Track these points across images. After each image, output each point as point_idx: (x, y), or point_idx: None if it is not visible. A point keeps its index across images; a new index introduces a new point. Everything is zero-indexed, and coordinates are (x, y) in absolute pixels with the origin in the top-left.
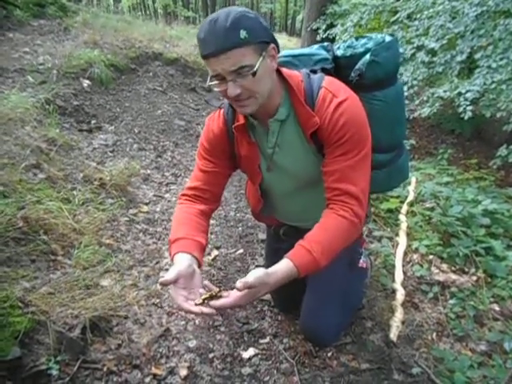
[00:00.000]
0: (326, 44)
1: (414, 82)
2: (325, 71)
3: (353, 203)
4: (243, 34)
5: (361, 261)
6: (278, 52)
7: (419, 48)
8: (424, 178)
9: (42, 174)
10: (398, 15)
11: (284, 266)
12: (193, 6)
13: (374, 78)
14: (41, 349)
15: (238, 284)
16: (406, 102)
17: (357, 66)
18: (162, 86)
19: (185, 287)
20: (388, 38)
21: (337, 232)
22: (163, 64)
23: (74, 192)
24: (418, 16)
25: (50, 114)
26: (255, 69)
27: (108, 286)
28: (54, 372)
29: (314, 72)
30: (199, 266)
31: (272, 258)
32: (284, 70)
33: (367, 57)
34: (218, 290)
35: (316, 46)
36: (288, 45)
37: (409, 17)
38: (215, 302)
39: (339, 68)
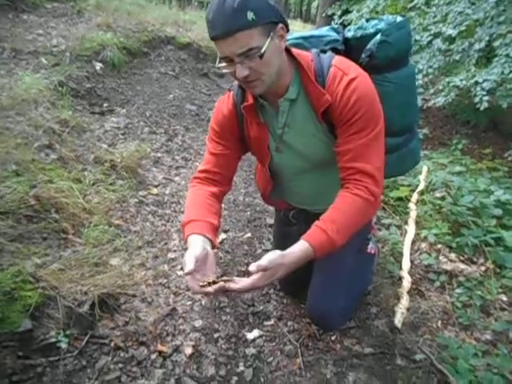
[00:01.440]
0: (336, 26)
1: (430, 70)
2: (335, 51)
3: (368, 181)
4: (250, 15)
5: (369, 246)
6: (288, 31)
7: (436, 35)
8: (436, 168)
9: (54, 155)
10: (415, 1)
11: (300, 247)
12: None
13: (385, 59)
14: (51, 323)
15: (252, 267)
16: (421, 90)
17: (367, 47)
18: (174, 71)
19: (199, 270)
20: (399, 19)
21: (352, 210)
22: (176, 48)
23: (85, 173)
24: (436, 2)
25: (62, 95)
26: (263, 51)
27: (117, 264)
28: (63, 345)
29: (324, 52)
30: (213, 247)
31: (279, 243)
32: (294, 49)
33: (378, 37)
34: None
35: (326, 28)
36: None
37: (427, 3)
38: (234, 285)
39: (350, 50)
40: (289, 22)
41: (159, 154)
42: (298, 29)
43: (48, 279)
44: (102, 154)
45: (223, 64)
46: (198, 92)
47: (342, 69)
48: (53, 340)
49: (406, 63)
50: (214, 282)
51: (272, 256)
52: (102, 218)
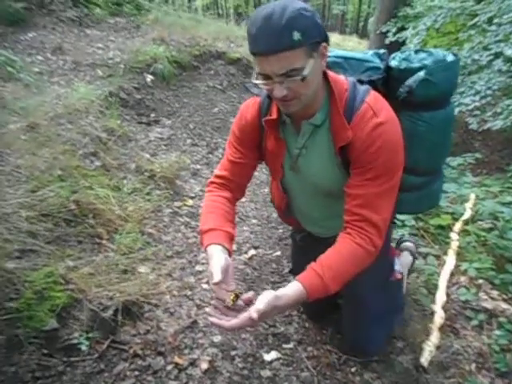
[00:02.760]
0: (381, 52)
1: (488, 92)
2: (372, 84)
3: (372, 232)
4: (297, 35)
5: (395, 273)
6: (328, 46)
7: (497, 55)
8: (486, 196)
9: (97, 162)
10: (476, 19)
11: (294, 289)
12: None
13: (424, 98)
14: (75, 324)
15: (254, 315)
16: (477, 112)
17: (407, 82)
18: (222, 85)
19: (223, 281)
20: (450, 58)
21: (351, 259)
22: (225, 63)
23: (125, 181)
24: (497, 20)
25: (112, 105)
26: (305, 73)
27: (144, 272)
28: (84, 347)
29: (361, 82)
30: (229, 256)
31: (295, 258)
32: (331, 73)
33: (421, 73)
34: (235, 293)
35: (371, 53)
36: (358, 48)
37: (489, 21)
38: (224, 323)
39: (389, 79)
40: (345, 37)
41: (198, 166)
42: (352, 44)
43: (77, 282)
44: (143, 163)
45: (261, 81)
46: None
47: (374, 109)
48: (75, 341)
49: (446, 105)
50: (237, 296)
51: (267, 298)
52: (136, 225)
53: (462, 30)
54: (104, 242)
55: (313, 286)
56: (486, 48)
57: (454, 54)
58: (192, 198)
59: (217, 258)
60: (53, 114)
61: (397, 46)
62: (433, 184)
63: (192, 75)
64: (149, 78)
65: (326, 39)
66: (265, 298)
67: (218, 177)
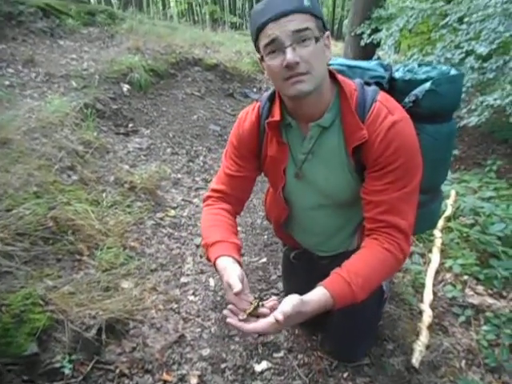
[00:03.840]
0: (385, 63)
1: (463, 89)
2: (379, 86)
3: (400, 237)
4: (307, 2)
5: (386, 292)
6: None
7: (469, 53)
8: (466, 192)
9: (75, 176)
10: (447, 18)
11: (320, 295)
12: (240, 12)
13: (429, 109)
14: (57, 347)
15: (279, 316)
16: None
17: (414, 92)
18: (200, 91)
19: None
20: (454, 72)
21: (379, 266)
22: (202, 69)
23: (104, 194)
24: (467, 19)
25: (88, 117)
26: (317, 35)
27: (128, 288)
28: (67, 371)
29: (368, 84)
30: (240, 267)
31: (285, 275)
32: (338, 75)
33: (427, 84)
34: (257, 300)
35: (375, 62)
36: (334, 50)
37: (459, 20)
38: (247, 326)
39: (393, 91)
40: None
41: (179, 175)
42: None
43: (57, 302)
44: (122, 175)
45: (268, 51)
46: (222, 112)
47: (388, 107)
48: (58, 365)
49: (449, 119)
50: (255, 309)
51: (293, 301)
52: (117, 240)
53: (434, 30)
54: (84, 258)
55: (340, 294)
56: (457, 46)
57: (458, 70)
58: (174, 208)
59: (231, 269)
60: (26, 128)
61: (372, 47)
62: (432, 203)
63: (169, 83)
64: (125, 87)
65: (327, 30)
66: (290, 302)
67: (215, 191)
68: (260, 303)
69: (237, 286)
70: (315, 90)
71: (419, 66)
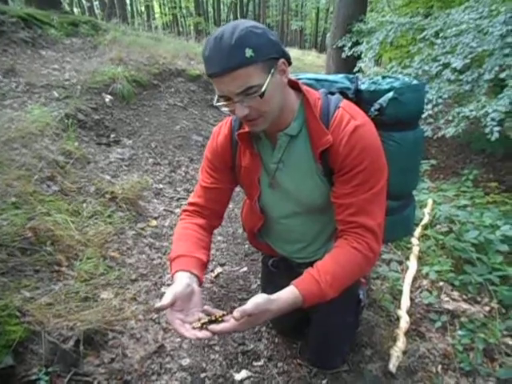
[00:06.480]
0: (351, 76)
1: (439, 101)
2: (344, 96)
3: (369, 237)
4: (249, 52)
5: (363, 301)
6: (290, 64)
7: (445, 66)
8: (443, 201)
9: (55, 187)
10: (425, 33)
11: (289, 294)
12: (224, 23)
13: (394, 117)
14: (34, 359)
15: (236, 313)
16: (431, 120)
17: (378, 101)
18: (183, 102)
19: (182, 309)
20: (416, 82)
21: (349, 265)
22: (186, 80)
23: (84, 204)
24: (443, 34)
25: (69, 127)
26: (263, 89)
27: (107, 298)
28: (43, 383)
29: (332, 94)
30: (200, 283)
31: (265, 283)
32: (303, 85)
33: (390, 94)
34: (219, 314)
35: (341, 75)
36: (317, 62)
37: (436, 34)
38: (214, 327)
39: (360, 102)
40: (304, 52)
41: (161, 186)
42: (311, 58)
43: (34, 314)
44: (103, 185)
45: (222, 102)
46: (205, 123)
47: (350, 113)
48: (34, 377)
49: (415, 127)
50: (210, 322)
51: (258, 300)
52: (97, 250)
53: (412, 44)
54: (63, 269)
55: (309, 291)
56: (434, 59)
57: (421, 81)
58: (156, 218)
59: (175, 284)
60: (5, 138)
61: (353, 59)
62: (404, 209)
63: (152, 94)
64: (107, 98)
65: (285, 55)
66: (254, 300)
67: (191, 204)
68: (210, 320)
69: (160, 303)
70: (272, 122)
71: (383, 77)
